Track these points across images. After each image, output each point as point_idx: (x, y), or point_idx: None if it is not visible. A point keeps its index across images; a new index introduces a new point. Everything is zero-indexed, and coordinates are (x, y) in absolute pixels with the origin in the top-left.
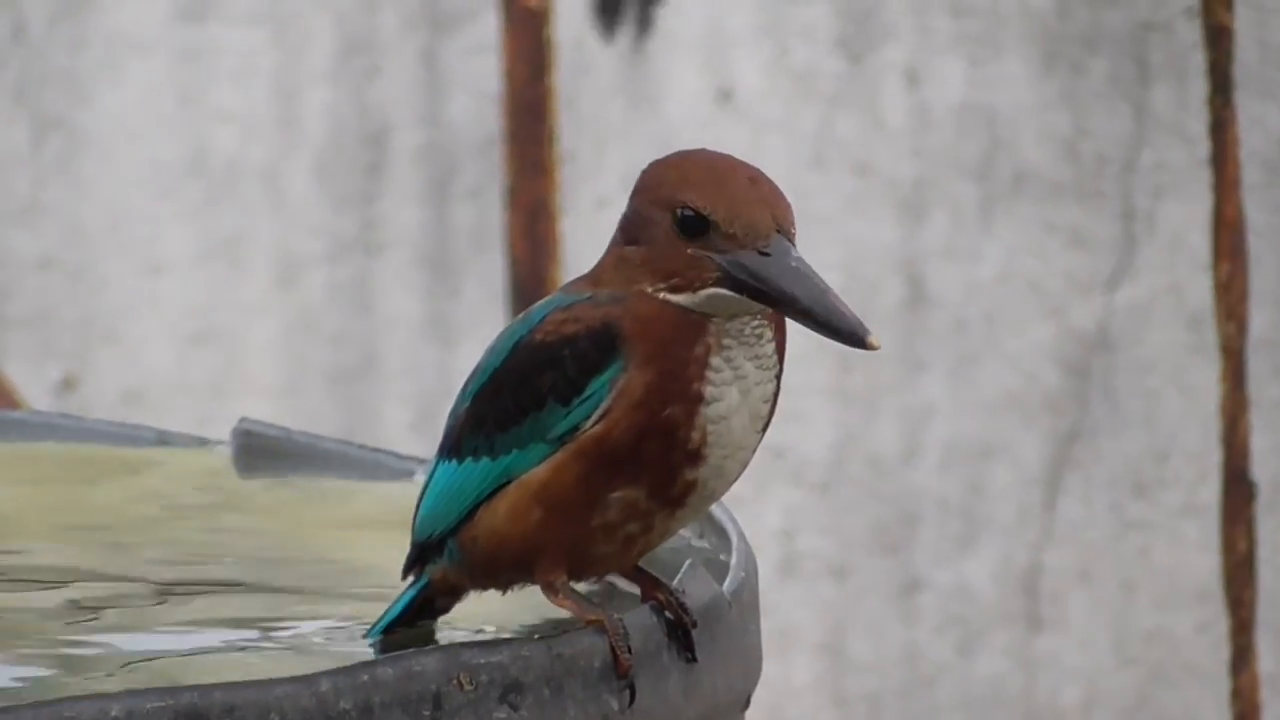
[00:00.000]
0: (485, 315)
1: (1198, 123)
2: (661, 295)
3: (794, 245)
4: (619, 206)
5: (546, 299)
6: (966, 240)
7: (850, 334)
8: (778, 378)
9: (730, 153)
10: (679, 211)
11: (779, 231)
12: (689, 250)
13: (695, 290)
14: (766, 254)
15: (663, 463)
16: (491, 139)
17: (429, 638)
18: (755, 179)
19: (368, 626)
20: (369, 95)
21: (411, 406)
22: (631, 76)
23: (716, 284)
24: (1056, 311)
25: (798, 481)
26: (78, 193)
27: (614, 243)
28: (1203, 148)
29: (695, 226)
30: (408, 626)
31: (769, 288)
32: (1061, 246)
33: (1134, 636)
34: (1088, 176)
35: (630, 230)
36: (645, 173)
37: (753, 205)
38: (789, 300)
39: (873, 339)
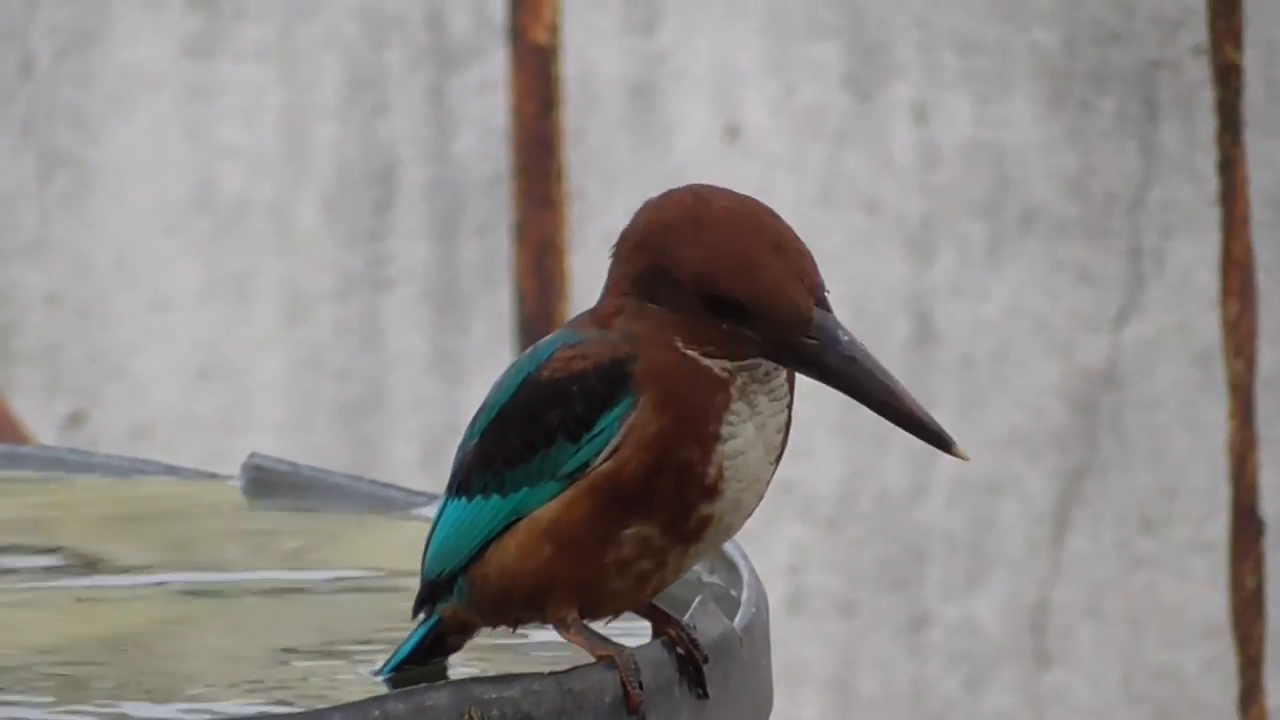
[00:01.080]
0: (493, 351)
1: (1206, 160)
2: (692, 354)
3: (830, 309)
4: None
5: (553, 335)
6: (974, 278)
7: (937, 436)
8: (789, 406)
9: (738, 190)
10: (710, 295)
11: (817, 303)
12: (724, 326)
13: (733, 359)
14: (814, 339)
15: (677, 499)
16: (499, 175)
17: (439, 674)
18: (780, 245)
19: (379, 664)
20: (377, 131)
21: (419, 442)
22: (640, 113)
23: (760, 356)
24: (1064, 348)
25: (806, 517)
26: (85, 228)
27: (621, 291)
28: (1211, 185)
29: (730, 311)
30: (418, 665)
31: (828, 379)
32: (1069, 284)
33: (1142, 673)
34: (1096, 214)
35: (646, 289)
36: (649, 227)
37: (789, 286)
38: (857, 395)
39: (960, 450)
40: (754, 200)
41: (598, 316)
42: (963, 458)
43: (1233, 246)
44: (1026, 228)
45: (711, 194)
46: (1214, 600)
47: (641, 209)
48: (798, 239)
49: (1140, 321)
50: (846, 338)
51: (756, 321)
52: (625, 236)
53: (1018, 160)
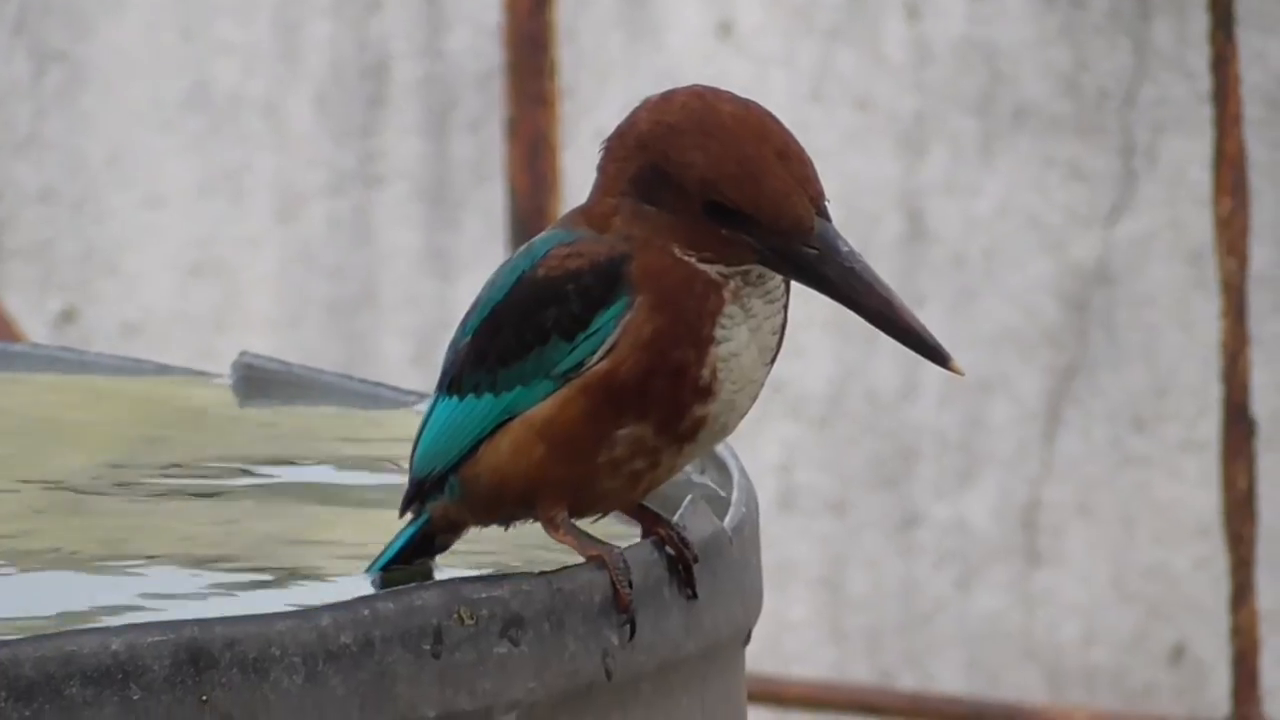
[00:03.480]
0: (485, 248)
1: (1199, 57)
2: (688, 259)
3: (830, 219)
4: None
5: (547, 233)
6: (966, 175)
7: (933, 350)
8: (785, 308)
9: (731, 89)
10: (711, 201)
11: (818, 213)
12: (723, 231)
13: (729, 264)
14: (814, 248)
15: (672, 400)
16: (492, 72)
17: (427, 574)
18: (784, 153)
19: (367, 562)
20: (369, 28)
21: (410, 339)
22: (632, 10)
23: (757, 262)
24: (1056, 246)
25: (797, 416)
26: (78, 125)
27: (617, 190)
28: (1204, 83)
29: (730, 217)
30: (406, 563)
31: (825, 289)
32: (1061, 181)
33: (1133, 572)
34: (1088, 111)
35: (644, 189)
36: (652, 128)
37: (791, 196)
38: (854, 307)
39: (955, 363)
40: (758, 105)
41: (591, 215)
42: (958, 372)
43: (1225, 144)
44: (1018, 124)
45: (716, 98)
46: (1205, 499)
47: (641, 107)
48: (800, 147)
49: (1132, 219)
50: (846, 248)
51: (757, 229)
52: (624, 134)
53: (1010, 57)
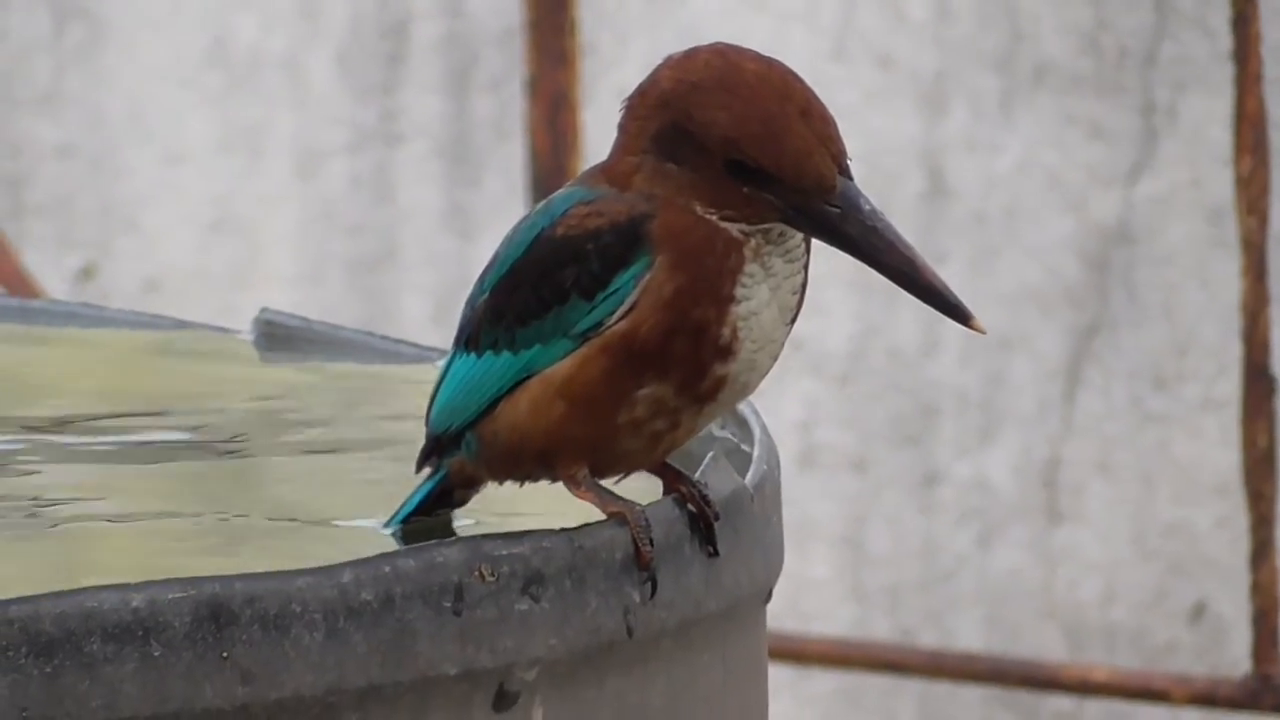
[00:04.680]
0: (505, 206)
1: (1219, 16)
2: (710, 218)
3: (851, 177)
4: None
5: (565, 191)
6: (987, 132)
7: (955, 308)
8: (805, 267)
9: (753, 47)
10: (733, 159)
11: (840, 171)
12: (744, 190)
13: (751, 223)
14: (836, 207)
15: (692, 360)
16: (512, 29)
17: (446, 527)
18: (806, 111)
19: (385, 517)
20: None
21: (431, 297)
22: None
23: (779, 221)
24: (1077, 204)
25: (818, 373)
26: (98, 81)
27: (638, 148)
28: (1224, 41)
29: (752, 175)
30: (425, 516)
31: (848, 248)
32: (1082, 139)
33: (1153, 530)
34: (1108, 69)
35: (665, 148)
36: (674, 86)
37: (814, 155)
38: (876, 265)
39: (977, 322)
40: (781, 64)
41: (612, 173)
42: (979, 330)
43: (1246, 103)
44: (1039, 82)
45: (739, 55)
46: (1225, 458)
47: (664, 65)
48: (823, 105)
49: (1153, 178)
50: (869, 206)
51: (779, 187)
52: (646, 93)
53: (1030, 15)
